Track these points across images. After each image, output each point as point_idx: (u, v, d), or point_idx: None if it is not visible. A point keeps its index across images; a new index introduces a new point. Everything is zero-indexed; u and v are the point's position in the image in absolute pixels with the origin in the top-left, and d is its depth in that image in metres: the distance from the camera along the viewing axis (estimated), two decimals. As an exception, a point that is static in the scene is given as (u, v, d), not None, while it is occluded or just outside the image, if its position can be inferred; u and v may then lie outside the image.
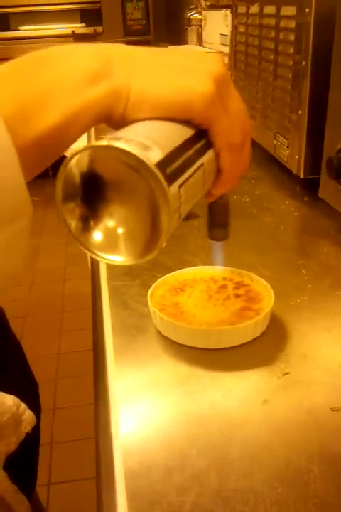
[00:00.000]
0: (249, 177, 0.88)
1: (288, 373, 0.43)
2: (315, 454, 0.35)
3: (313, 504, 0.32)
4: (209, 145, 0.35)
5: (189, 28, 2.04)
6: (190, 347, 0.46)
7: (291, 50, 0.76)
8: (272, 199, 0.80)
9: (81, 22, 3.50)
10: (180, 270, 0.54)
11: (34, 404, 0.56)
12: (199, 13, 1.96)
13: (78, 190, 0.30)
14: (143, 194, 0.29)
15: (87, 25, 3.46)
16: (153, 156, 0.28)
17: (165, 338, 0.47)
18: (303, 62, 0.71)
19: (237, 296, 0.50)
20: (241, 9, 1.01)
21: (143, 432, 0.38)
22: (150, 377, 0.43)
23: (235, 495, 0.32)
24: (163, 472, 0.34)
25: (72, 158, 0.29)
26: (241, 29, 1.03)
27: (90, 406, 0.44)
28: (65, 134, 0.31)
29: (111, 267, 0.60)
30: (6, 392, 0.51)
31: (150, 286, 0.51)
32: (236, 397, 0.41)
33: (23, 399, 0.53)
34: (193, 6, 2.03)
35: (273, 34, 0.83)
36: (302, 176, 0.76)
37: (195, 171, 0.32)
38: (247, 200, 0.79)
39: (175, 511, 0.31)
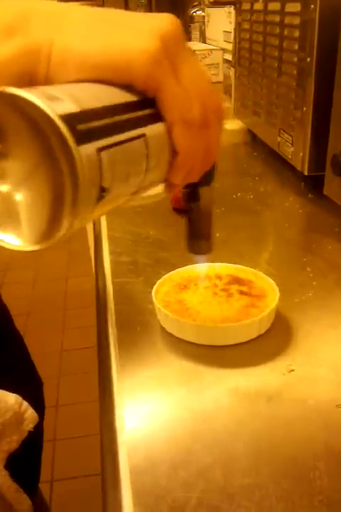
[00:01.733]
0: (253, 174, 0.88)
1: (293, 370, 0.43)
2: (321, 450, 0.35)
3: (319, 501, 0.32)
4: (157, 117, 0.29)
5: (192, 25, 2.03)
6: (195, 344, 0.46)
7: (296, 47, 0.75)
8: (276, 196, 0.80)
9: (84, 19, 3.49)
10: (185, 267, 0.54)
11: (38, 404, 0.56)
12: (203, 10, 1.96)
13: None
14: (43, 152, 0.23)
15: (90, 23, 3.45)
16: (60, 107, 0.23)
17: (169, 335, 0.47)
18: (308, 59, 0.71)
19: (242, 293, 0.50)
20: (246, 6, 1.01)
21: (148, 428, 0.38)
22: (154, 374, 0.43)
23: (240, 491, 0.32)
24: (168, 468, 0.34)
25: None
26: (245, 26, 1.03)
27: (93, 403, 0.44)
28: None
29: (115, 264, 0.60)
30: (10, 391, 0.51)
31: (155, 283, 0.50)
32: (241, 393, 0.41)
33: (26, 398, 0.53)
34: (196, 3, 2.02)
35: (277, 31, 0.83)
36: (306, 173, 0.76)
37: (130, 139, 0.27)
38: (251, 197, 0.79)
39: (181, 507, 0.31)
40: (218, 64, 1.61)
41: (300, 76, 0.75)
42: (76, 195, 0.23)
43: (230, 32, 1.48)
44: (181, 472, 0.34)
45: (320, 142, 0.70)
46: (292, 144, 0.79)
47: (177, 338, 0.47)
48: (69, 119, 0.23)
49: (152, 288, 0.50)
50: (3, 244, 0.26)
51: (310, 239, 0.68)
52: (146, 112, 0.29)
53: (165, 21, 0.29)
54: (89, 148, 0.24)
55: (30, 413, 0.53)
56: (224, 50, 1.62)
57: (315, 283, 0.55)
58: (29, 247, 0.25)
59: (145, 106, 0.29)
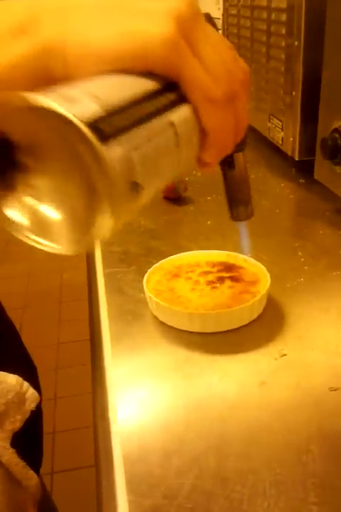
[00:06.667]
0: (243, 160, 0.87)
1: (285, 355, 0.43)
2: (314, 433, 0.35)
3: (312, 484, 0.32)
4: (182, 100, 0.29)
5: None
6: (187, 331, 0.46)
7: (283, 31, 0.75)
8: (267, 182, 0.80)
9: None
10: (176, 255, 0.54)
11: (34, 385, 0.56)
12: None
13: None
14: (73, 162, 0.22)
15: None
16: (82, 110, 0.22)
17: (161, 324, 0.47)
18: (296, 43, 0.71)
19: (233, 279, 0.50)
20: (233, -9, 1.00)
21: (141, 417, 0.38)
22: (147, 362, 0.43)
23: (234, 476, 0.32)
24: (161, 456, 0.34)
25: None
26: (233, 11, 1.02)
27: (91, 394, 0.44)
28: None
29: (106, 254, 0.59)
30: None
31: (146, 272, 0.50)
32: (234, 379, 0.41)
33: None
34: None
35: (265, 15, 0.83)
36: (297, 158, 0.75)
37: (160, 131, 0.26)
38: (242, 183, 0.79)
39: (174, 494, 0.31)
40: (208, 51, 1.60)
41: (289, 60, 0.74)
42: (109, 198, 0.22)
43: (219, 18, 1.47)
44: (174, 460, 0.34)
45: (310, 126, 0.70)
46: (282, 129, 0.79)
47: (169, 326, 0.47)
48: (95, 121, 0.22)
49: (143, 277, 0.50)
50: (47, 249, 0.26)
51: (302, 224, 0.68)
52: (171, 97, 0.28)
53: (179, 1, 0.28)
54: (118, 149, 0.23)
55: (31, 393, 0.53)
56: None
57: (306, 268, 0.55)
58: (70, 252, 0.25)
59: (169, 91, 0.28)
